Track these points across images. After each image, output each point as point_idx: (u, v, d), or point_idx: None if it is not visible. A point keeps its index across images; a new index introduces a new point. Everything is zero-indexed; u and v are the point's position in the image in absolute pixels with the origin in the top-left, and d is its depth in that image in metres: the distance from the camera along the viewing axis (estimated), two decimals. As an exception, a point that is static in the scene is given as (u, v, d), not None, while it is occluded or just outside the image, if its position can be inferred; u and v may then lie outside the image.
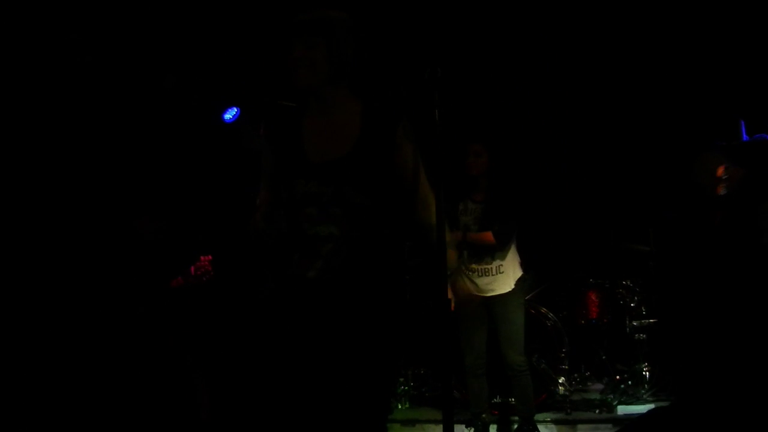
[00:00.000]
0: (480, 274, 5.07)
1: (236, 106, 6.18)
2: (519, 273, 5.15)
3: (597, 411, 5.74)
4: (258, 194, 2.92)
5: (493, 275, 5.06)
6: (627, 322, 6.12)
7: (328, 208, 2.73)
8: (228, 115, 6.14)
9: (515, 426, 5.31)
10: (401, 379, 6.40)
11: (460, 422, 5.20)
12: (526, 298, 5.55)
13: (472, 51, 6.26)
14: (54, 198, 5.09)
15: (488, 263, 5.06)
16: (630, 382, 5.94)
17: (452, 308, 4.99)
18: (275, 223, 2.73)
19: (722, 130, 5.32)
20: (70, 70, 5.53)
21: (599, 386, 6.18)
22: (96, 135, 5.66)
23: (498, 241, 4.99)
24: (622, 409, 5.68)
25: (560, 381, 5.79)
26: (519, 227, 5.13)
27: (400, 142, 2.78)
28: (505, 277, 5.07)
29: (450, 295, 4.95)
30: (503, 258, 5.07)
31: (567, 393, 5.76)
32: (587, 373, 6.28)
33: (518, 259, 5.17)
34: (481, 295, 5.07)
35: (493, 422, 5.38)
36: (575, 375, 6.16)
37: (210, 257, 4.56)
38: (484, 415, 5.16)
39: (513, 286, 5.08)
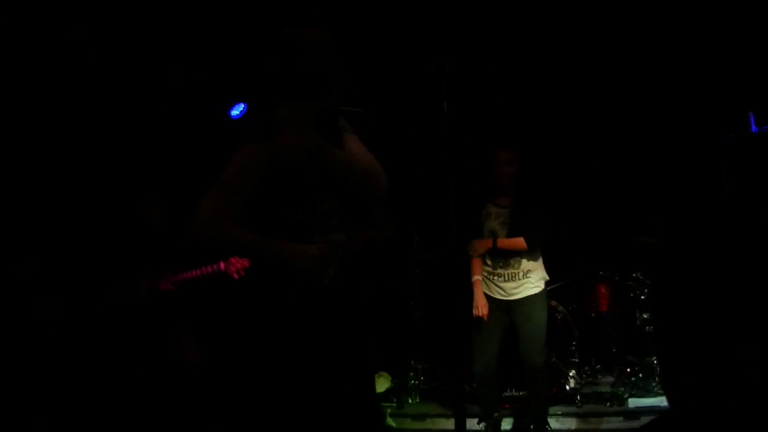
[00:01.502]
0: (506, 279, 5.01)
1: (243, 102, 6.17)
2: (545, 276, 5.10)
3: (608, 404, 5.73)
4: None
5: (520, 280, 4.99)
6: (637, 314, 6.10)
7: (337, 220, 2.83)
8: (235, 112, 6.13)
9: (528, 419, 5.29)
10: (411, 374, 6.41)
11: (471, 416, 5.19)
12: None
13: (480, 44, 6.25)
14: (58, 194, 5.10)
15: (515, 268, 4.99)
16: (641, 375, 5.91)
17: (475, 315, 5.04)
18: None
19: (731, 122, 5.29)
20: (77, 67, 5.54)
21: (610, 379, 6.16)
22: (103, 132, 5.67)
23: (530, 246, 4.94)
24: (633, 402, 5.65)
25: (571, 374, 5.78)
26: (549, 230, 5.10)
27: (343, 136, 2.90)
28: (531, 280, 5.01)
29: (479, 302, 4.98)
30: (530, 262, 5.01)
31: (577, 386, 5.76)
32: (598, 366, 6.27)
33: (542, 261, 5.12)
34: (506, 299, 5.03)
35: (506, 416, 5.36)
36: (586, 368, 6.16)
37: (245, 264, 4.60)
38: (495, 414, 5.13)
39: (540, 289, 5.03)
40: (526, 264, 5.00)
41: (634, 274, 6.15)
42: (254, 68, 6.01)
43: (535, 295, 5.00)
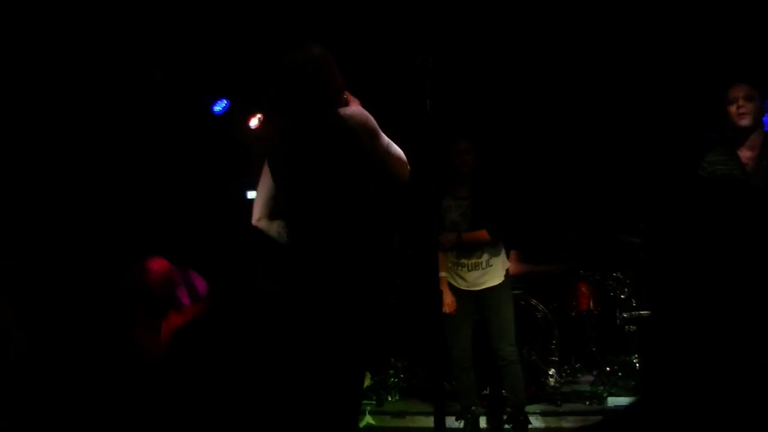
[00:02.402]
0: (470, 268, 5.09)
1: (226, 98, 6.15)
2: (507, 264, 5.19)
3: (587, 402, 5.74)
4: None
5: (483, 269, 5.07)
6: (617, 313, 6.12)
7: None
8: (218, 107, 6.11)
9: (505, 417, 5.30)
10: (391, 371, 6.39)
11: (450, 414, 5.19)
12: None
13: (465, 41, 6.23)
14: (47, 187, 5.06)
15: (478, 257, 5.07)
16: (620, 374, 5.94)
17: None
18: None
19: (715, 122, 5.30)
20: (61, 62, 5.49)
21: (589, 378, 6.17)
22: (86, 127, 5.62)
23: (493, 237, 5.00)
24: (613, 401, 5.67)
25: (550, 373, 5.79)
26: (509, 220, 5.14)
27: None
28: (494, 270, 5.08)
29: (446, 299, 5.03)
30: (492, 252, 5.09)
31: (557, 385, 5.76)
32: (577, 365, 6.28)
33: (504, 251, 5.19)
34: (471, 289, 5.08)
35: (483, 414, 5.37)
36: (565, 367, 6.17)
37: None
38: (473, 408, 5.15)
39: (503, 278, 5.09)
40: (488, 254, 5.07)
41: (614, 274, 6.17)
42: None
43: (499, 285, 5.08)
